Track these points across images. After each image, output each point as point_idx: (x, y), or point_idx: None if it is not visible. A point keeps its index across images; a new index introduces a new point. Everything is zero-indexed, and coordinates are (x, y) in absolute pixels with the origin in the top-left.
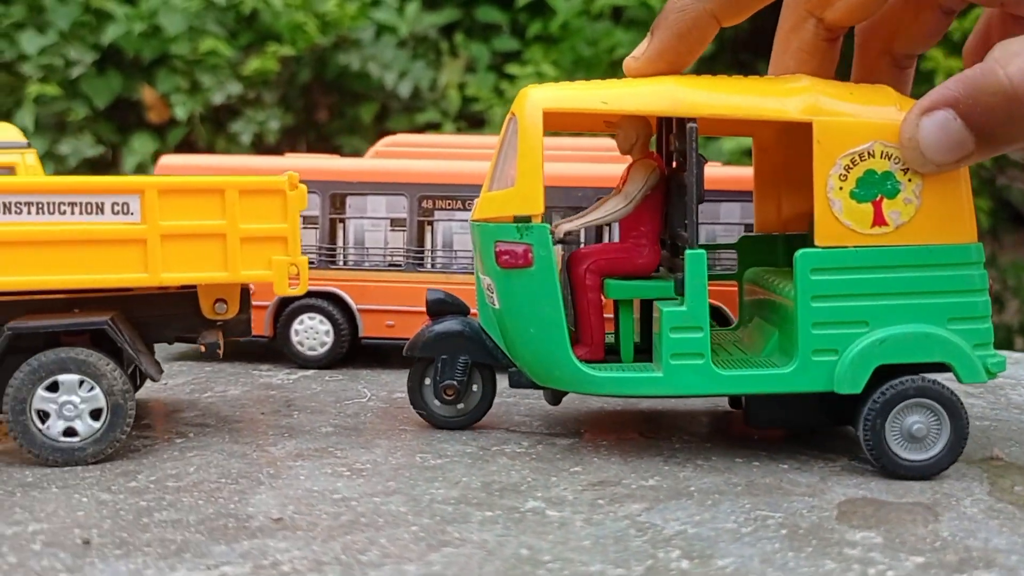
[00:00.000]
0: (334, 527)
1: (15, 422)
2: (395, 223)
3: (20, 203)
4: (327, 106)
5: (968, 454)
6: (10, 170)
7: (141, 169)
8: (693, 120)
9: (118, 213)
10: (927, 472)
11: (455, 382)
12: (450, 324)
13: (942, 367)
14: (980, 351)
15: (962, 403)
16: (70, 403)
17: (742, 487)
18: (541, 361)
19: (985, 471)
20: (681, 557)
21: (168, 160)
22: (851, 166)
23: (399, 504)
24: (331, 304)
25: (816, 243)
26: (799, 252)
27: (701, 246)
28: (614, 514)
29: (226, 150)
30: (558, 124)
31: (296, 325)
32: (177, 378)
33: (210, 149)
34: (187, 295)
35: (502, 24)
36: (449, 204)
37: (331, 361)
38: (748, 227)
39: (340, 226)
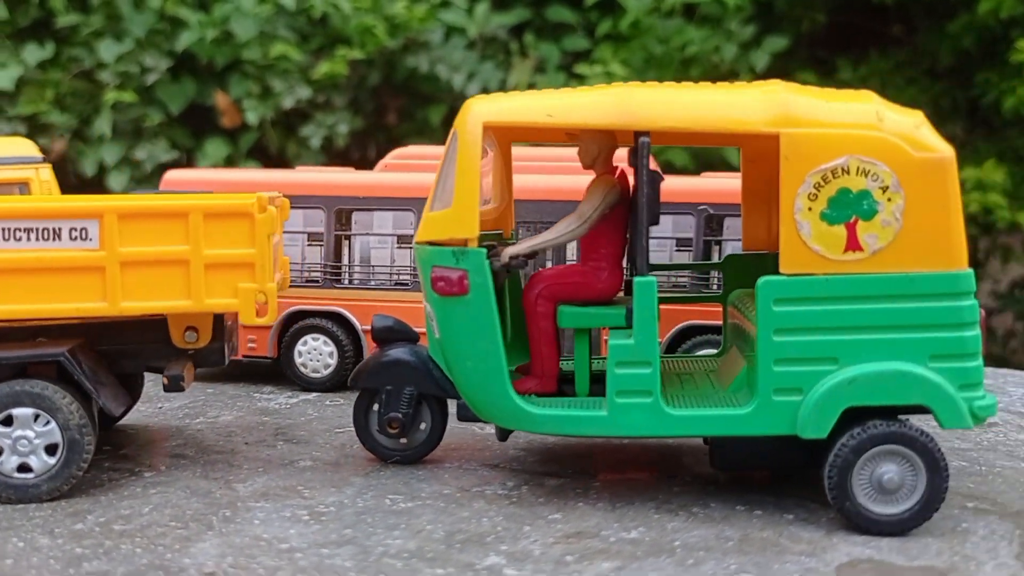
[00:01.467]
0: None
1: None
2: (402, 240)
3: None
4: (396, 109)
5: (1004, 504)
6: (25, 185)
7: None
8: (646, 134)
9: (76, 239)
10: (901, 528)
11: (399, 415)
12: (396, 353)
13: (923, 410)
14: (966, 392)
15: (940, 451)
16: (24, 438)
17: (734, 542)
18: (478, 395)
19: (1019, 526)
20: None
21: (173, 175)
22: (822, 184)
23: (346, 558)
24: (335, 325)
25: (781, 270)
26: (761, 280)
27: (675, 266)
28: (579, 574)
29: (296, 154)
30: (521, 136)
31: (299, 346)
32: (175, 401)
33: (281, 154)
34: (157, 323)
35: (573, 23)
36: None
37: (335, 384)
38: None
39: (346, 243)
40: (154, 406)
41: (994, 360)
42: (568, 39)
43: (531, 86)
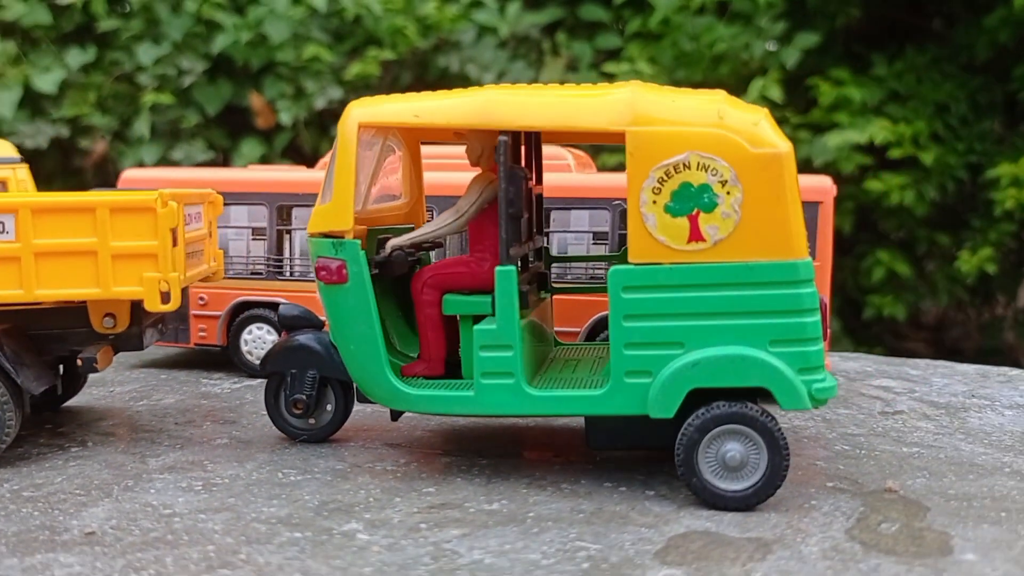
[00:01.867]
0: (135, 543)
1: None
2: None
3: None
4: None
5: (864, 483)
6: (3, 184)
7: None
8: (505, 133)
9: None
10: (745, 503)
11: (303, 396)
12: (300, 339)
13: (766, 392)
14: (806, 375)
15: (780, 431)
16: None
17: (585, 515)
18: (361, 375)
19: (866, 504)
20: None
21: (130, 174)
22: (665, 179)
23: (218, 523)
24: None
25: (629, 260)
26: (611, 269)
27: (572, 258)
28: (424, 540)
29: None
30: (430, 136)
31: (245, 335)
32: (126, 385)
33: (314, 153)
34: (78, 310)
35: (606, 21)
36: None
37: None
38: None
39: (287, 237)
40: (107, 389)
41: None
42: (601, 37)
43: (562, 85)
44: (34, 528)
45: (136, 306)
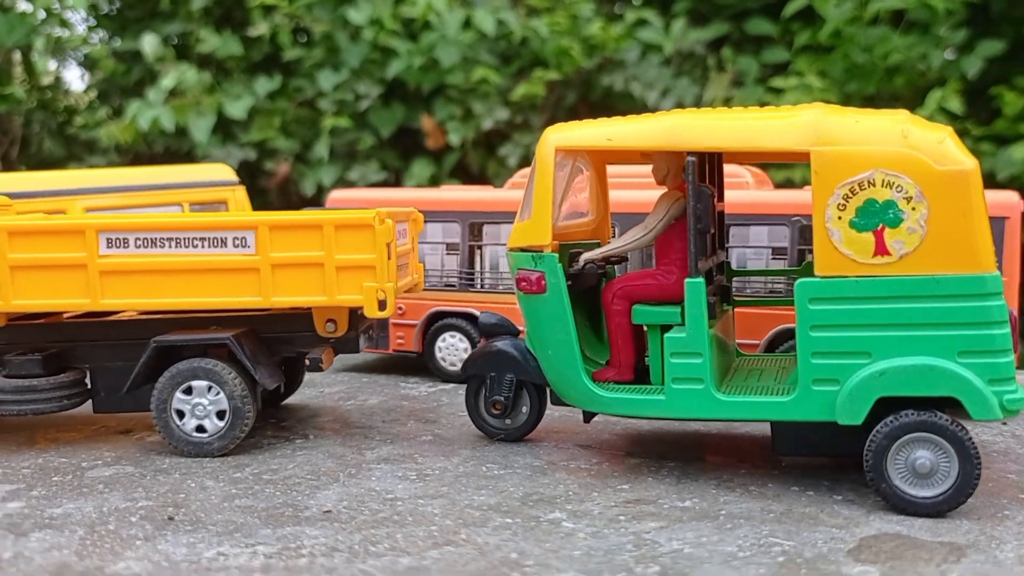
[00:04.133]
0: (368, 521)
1: (159, 419)
2: None
3: (163, 239)
4: None
5: None
6: (224, 204)
7: None
8: (693, 154)
9: (238, 246)
10: (935, 509)
11: (501, 398)
12: (499, 345)
13: (956, 402)
14: (996, 386)
15: (971, 439)
16: (200, 404)
17: (775, 515)
18: (558, 379)
19: None
20: (656, 572)
21: (337, 194)
22: (850, 195)
23: (436, 507)
24: (469, 324)
25: (816, 272)
26: (798, 282)
27: (752, 272)
28: (625, 529)
29: (496, 173)
30: (616, 158)
31: (439, 343)
32: (333, 387)
33: (481, 172)
34: (304, 316)
35: (773, 35)
36: None
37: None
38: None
39: (478, 252)
40: (318, 390)
41: None
42: (768, 51)
43: (727, 100)
44: (279, 505)
45: (353, 313)
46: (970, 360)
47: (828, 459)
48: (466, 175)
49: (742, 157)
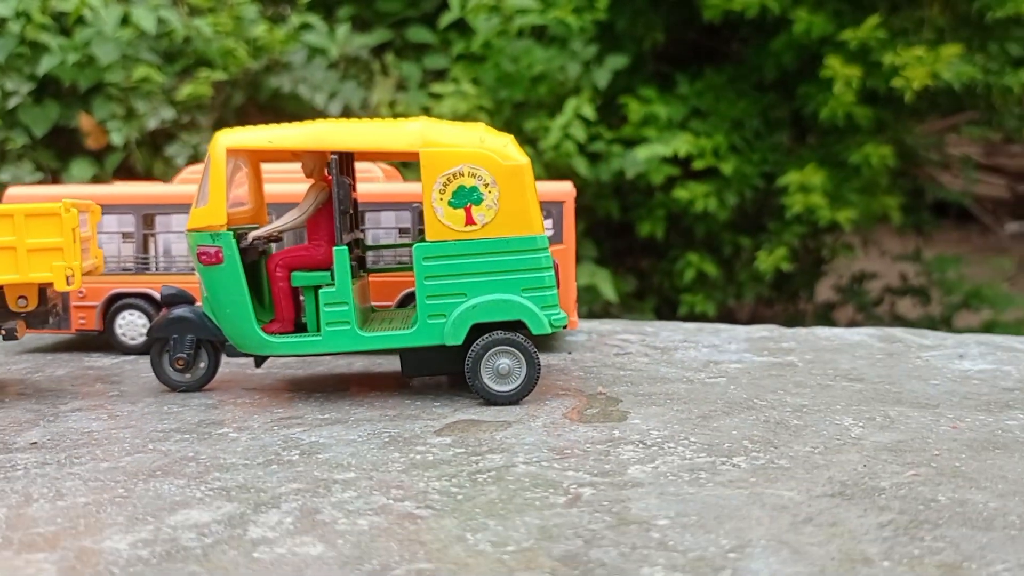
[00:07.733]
0: (71, 445)
1: None
2: None
3: None
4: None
5: (584, 390)
6: None
7: None
8: (334, 153)
9: None
10: (510, 399)
11: (184, 355)
12: (180, 311)
13: (523, 324)
14: (547, 312)
15: (535, 350)
16: None
17: (389, 416)
18: (235, 333)
19: (581, 401)
20: (297, 454)
21: (14, 191)
22: (448, 183)
23: (127, 434)
24: (146, 302)
25: (427, 238)
26: (415, 244)
27: (379, 246)
28: (277, 434)
29: (163, 173)
30: (269, 157)
31: (119, 320)
32: (19, 364)
33: (148, 173)
34: None
35: (433, 43)
36: None
37: (148, 348)
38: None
39: (151, 239)
40: (3, 368)
41: None
42: (429, 58)
43: (392, 104)
44: None
45: (42, 291)
46: (529, 295)
47: (441, 377)
48: (131, 175)
49: (371, 156)
